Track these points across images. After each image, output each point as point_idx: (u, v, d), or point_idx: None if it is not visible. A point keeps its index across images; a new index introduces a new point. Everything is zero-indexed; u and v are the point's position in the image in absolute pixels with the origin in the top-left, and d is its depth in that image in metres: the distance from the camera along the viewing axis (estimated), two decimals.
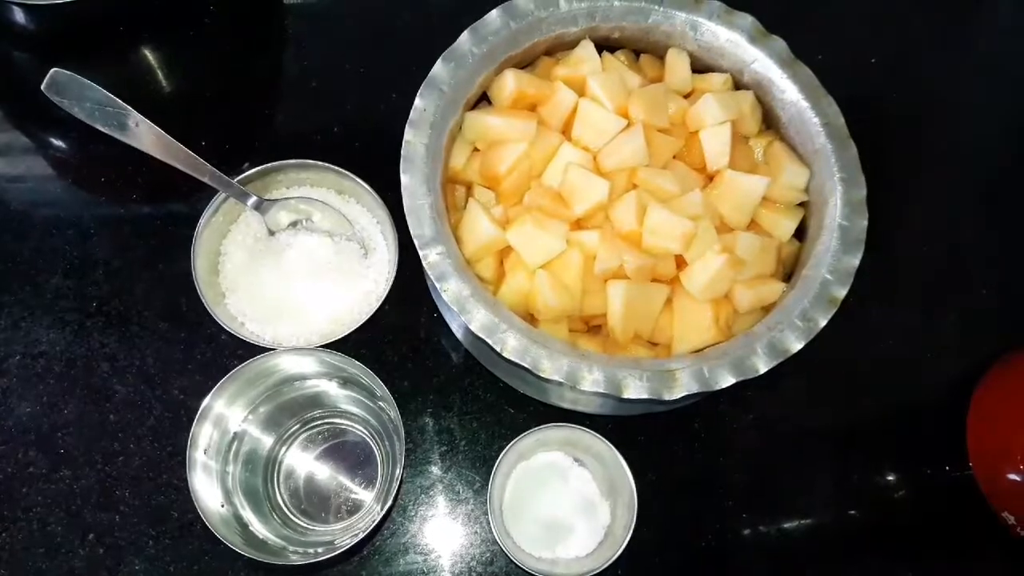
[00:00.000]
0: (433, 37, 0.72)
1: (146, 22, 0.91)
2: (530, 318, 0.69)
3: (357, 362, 0.67)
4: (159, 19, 0.92)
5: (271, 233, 0.77)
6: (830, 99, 0.72)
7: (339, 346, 0.69)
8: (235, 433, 0.70)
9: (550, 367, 0.62)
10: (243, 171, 0.76)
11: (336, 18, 0.94)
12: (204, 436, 0.67)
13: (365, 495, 0.74)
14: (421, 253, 0.65)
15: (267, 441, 0.74)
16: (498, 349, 0.63)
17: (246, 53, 0.93)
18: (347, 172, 0.76)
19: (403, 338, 0.79)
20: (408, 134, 0.68)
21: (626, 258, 0.67)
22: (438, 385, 0.78)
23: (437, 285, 0.64)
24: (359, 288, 0.76)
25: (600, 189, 0.68)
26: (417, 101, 0.69)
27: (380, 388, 0.67)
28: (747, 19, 0.74)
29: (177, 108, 0.89)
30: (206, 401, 0.66)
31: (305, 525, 0.73)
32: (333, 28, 0.93)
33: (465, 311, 0.63)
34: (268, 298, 0.74)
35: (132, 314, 0.79)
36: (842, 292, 0.66)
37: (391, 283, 0.74)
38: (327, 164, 0.76)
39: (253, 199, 0.75)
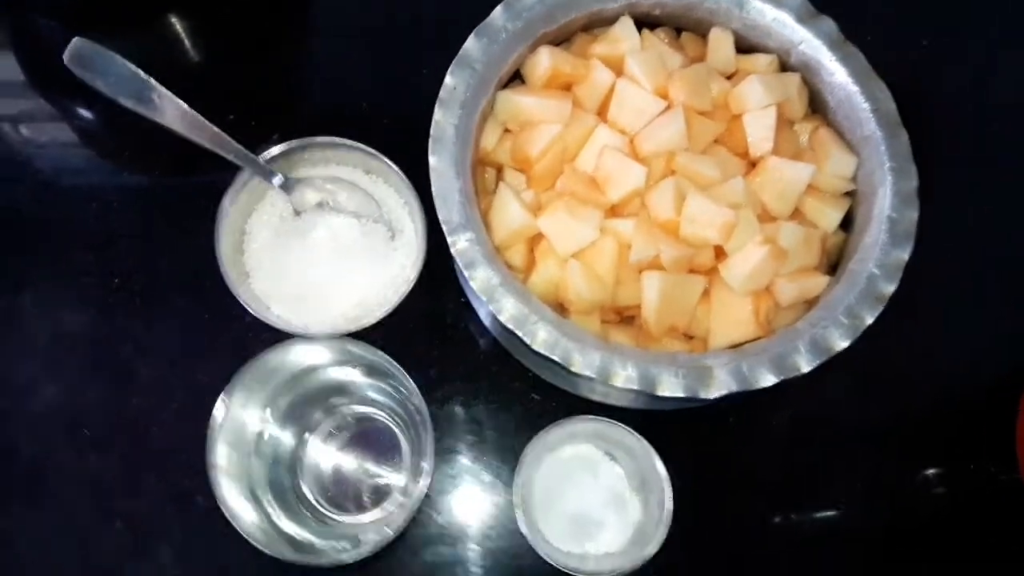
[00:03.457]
0: (466, 11, 0.69)
1: None
2: (560, 308, 0.67)
3: (381, 352, 0.65)
4: None
5: (297, 213, 0.74)
6: (881, 83, 0.69)
7: (366, 331, 0.67)
8: (256, 428, 0.68)
9: (581, 361, 0.60)
10: (269, 148, 0.73)
11: None
12: (224, 437, 0.65)
13: (392, 480, 0.72)
14: (449, 240, 0.62)
15: (291, 432, 0.72)
16: (528, 341, 0.60)
17: (274, 28, 0.90)
18: (374, 151, 0.74)
19: (431, 324, 0.77)
20: (437, 114, 0.66)
21: (662, 248, 0.64)
22: (465, 372, 0.76)
23: (465, 273, 0.62)
24: (386, 272, 0.73)
25: (636, 175, 0.65)
26: (447, 79, 0.67)
27: (406, 379, 0.65)
28: None
29: (203, 82, 0.87)
30: (223, 398, 0.64)
31: (333, 516, 0.71)
32: (364, 2, 0.90)
33: (494, 301, 0.61)
34: (293, 280, 0.72)
35: (155, 292, 0.78)
36: (890, 288, 0.63)
37: (419, 267, 0.71)
38: (354, 143, 0.73)
39: (278, 178, 0.72)
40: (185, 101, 0.70)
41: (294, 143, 0.74)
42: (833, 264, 0.70)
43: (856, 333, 0.62)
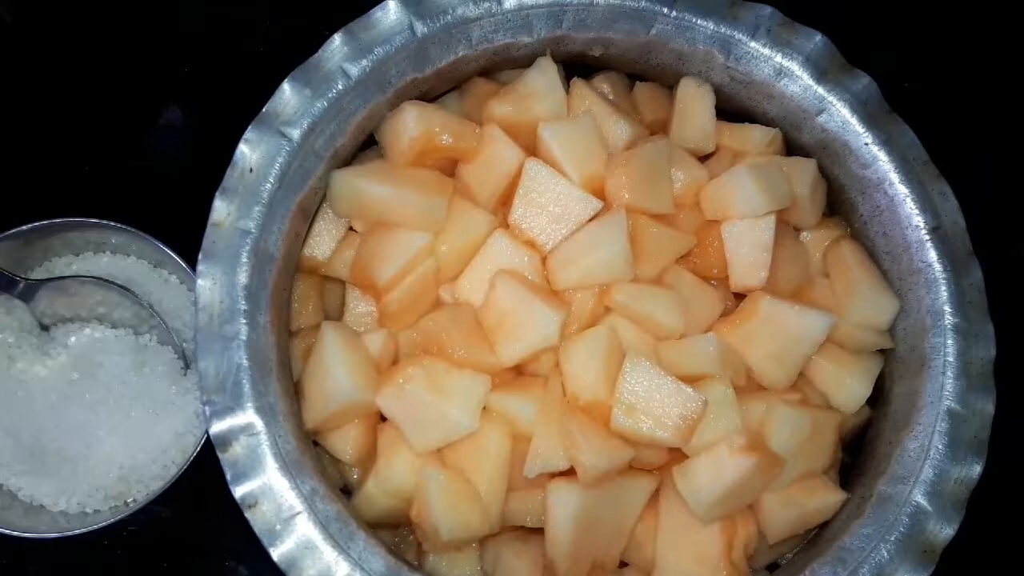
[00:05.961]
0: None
1: None
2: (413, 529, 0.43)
3: None
4: None
5: (44, 328, 0.53)
6: (943, 184, 0.47)
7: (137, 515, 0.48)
8: None
9: None
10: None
11: None
12: None
13: None
14: (211, 431, 0.37)
15: None
16: None
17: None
18: (156, 241, 0.52)
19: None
20: (217, 209, 0.40)
21: (582, 455, 0.41)
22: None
23: (235, 494, 0.36)
24: (170, 424, 0.52)
25: (547, 323, 0.43)
26: (240, 149, 0.42)
27: None
28: (815, 39, 0.48)
29: None
30: None
31: None
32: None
33: (276, 543, 0.37)
34: (30, 430, 0.51)
35: None
36: (947, 533, 0.43)
37: None
38: (125, 227, 0.52)
39: (15, 284, 0.50)
40: None
41: (37, 224, 0.51)
42: (846, 445, 0.48)
43: None
